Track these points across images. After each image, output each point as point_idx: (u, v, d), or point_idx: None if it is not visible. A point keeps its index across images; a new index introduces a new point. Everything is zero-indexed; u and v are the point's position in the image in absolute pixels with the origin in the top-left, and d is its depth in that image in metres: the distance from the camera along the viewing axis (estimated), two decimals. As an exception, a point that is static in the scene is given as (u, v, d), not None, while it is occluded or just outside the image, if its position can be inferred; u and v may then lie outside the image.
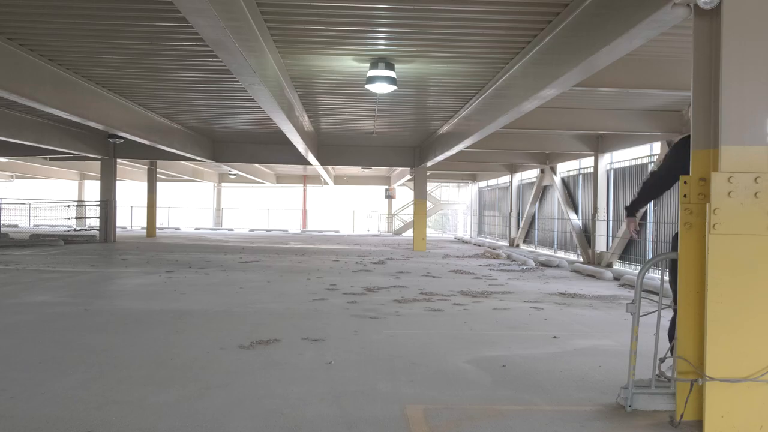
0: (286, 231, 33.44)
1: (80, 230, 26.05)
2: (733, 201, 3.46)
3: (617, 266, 14.16)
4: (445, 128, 14.86)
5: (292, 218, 38.59)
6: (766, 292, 3.45)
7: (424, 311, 7.52)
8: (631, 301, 3.95)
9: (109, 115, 12.12)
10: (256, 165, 29.89)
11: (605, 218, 15.33)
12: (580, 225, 16.85)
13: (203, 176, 34.62)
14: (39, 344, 5.39)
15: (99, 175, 21.97)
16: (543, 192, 20.73)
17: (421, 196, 20.86)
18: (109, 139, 18.49)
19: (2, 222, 22.78)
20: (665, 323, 4.17)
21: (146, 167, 25.77)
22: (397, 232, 34.42)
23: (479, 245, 23.24)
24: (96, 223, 22.82)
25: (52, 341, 5.51)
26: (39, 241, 19.29)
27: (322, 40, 7.81)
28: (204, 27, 5.57)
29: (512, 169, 23.43)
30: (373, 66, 8.65)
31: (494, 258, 16.98)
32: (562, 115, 11.98)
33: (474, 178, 30.11)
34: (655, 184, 4.59)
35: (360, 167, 27.13)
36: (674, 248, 3.86)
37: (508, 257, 16.91)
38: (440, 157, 16.19)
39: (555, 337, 6.07)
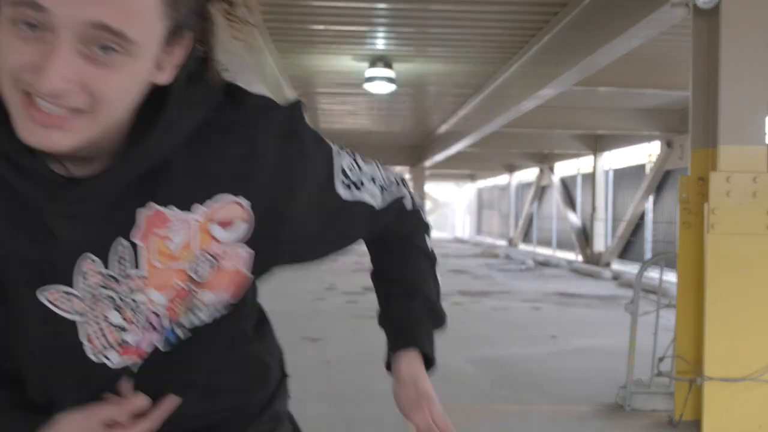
0: (284, 230, 33.42)
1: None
2: (732, 201, 3.46)
3: (616, 266, 14.17)
4: (444, 128, 14.85)
5: (291, 218, 38.57)
6: (764, 292, 3.46)
7: (423, 311, 7.51)
8: (629, 300, 3.95)
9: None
10: (255, 164, 29.87)
11: (604, 218, 15.34)
12: (579, 224, 16.86)
13: (202, 176, 34.61)
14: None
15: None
16: (541, 191, 20.73)
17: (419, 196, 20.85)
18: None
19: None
20: (663, 323, 4.17)
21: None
22: (396, 232, 34.40)
23: (478, 244, 23.26)
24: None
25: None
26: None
27: (320, 40, 7.80)
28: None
29: (511, 169, 23.42)
30: (372, 65, 8.64)
31: (493, 257, 16.99)
32: (560, 114, 11.97)
33: (473, 178, 30.13)
34: None
35: (359, 167, 27.11)
36: None
37: (507, 257, 16.92)
38: (439, 157, 16.18)
39: (554, 336, 6.08)
